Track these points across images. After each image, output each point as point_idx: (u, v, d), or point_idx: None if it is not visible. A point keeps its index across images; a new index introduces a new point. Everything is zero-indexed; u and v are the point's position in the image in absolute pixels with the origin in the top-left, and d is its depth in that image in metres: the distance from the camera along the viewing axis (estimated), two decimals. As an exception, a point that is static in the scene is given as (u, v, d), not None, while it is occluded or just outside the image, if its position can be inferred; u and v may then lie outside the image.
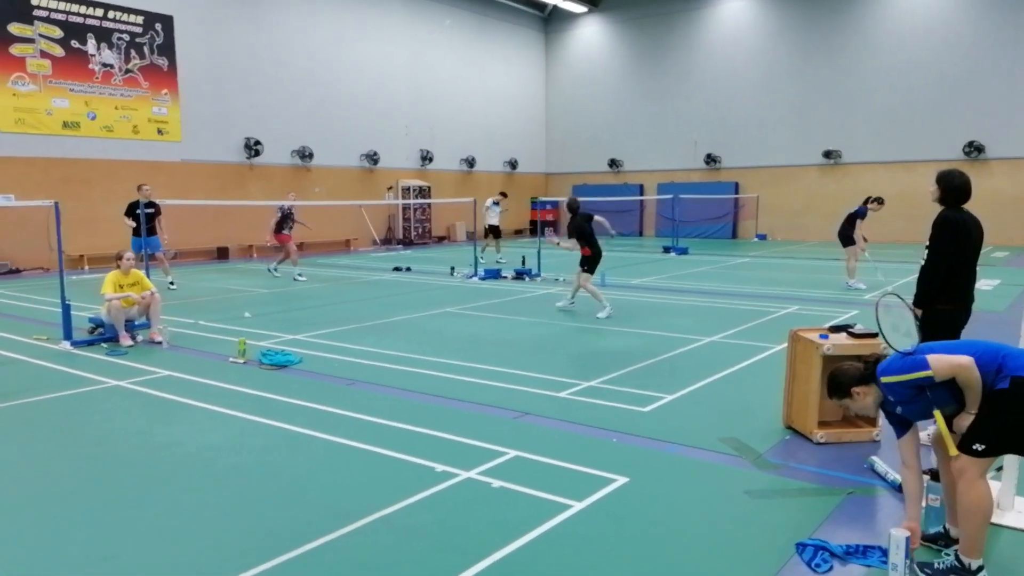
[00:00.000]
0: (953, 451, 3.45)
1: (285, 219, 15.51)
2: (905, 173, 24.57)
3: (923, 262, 5.14)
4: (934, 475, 3.95)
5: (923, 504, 3.99)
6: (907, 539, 3.36)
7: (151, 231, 13.22)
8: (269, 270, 16.11)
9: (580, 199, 11.77)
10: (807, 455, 5.01)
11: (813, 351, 5.14)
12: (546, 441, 5.28)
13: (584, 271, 10.70)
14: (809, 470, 4.75)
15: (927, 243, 5.11)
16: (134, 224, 13.20)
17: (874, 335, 5.25)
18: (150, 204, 13.15)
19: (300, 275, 15.39)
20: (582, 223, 10.87)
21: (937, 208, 5.11)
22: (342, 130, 24.36)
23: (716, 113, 28.36)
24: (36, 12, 17.24)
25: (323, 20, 23.57)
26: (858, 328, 5.33)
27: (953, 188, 5.00)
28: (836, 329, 5.39)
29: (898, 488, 4.36)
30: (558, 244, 12.95)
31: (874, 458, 4.76)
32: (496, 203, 20.56)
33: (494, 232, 20.37)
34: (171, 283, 13.66)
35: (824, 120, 26.05)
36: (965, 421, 3.47)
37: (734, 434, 5.39)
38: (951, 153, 23.53)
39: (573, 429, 5.58)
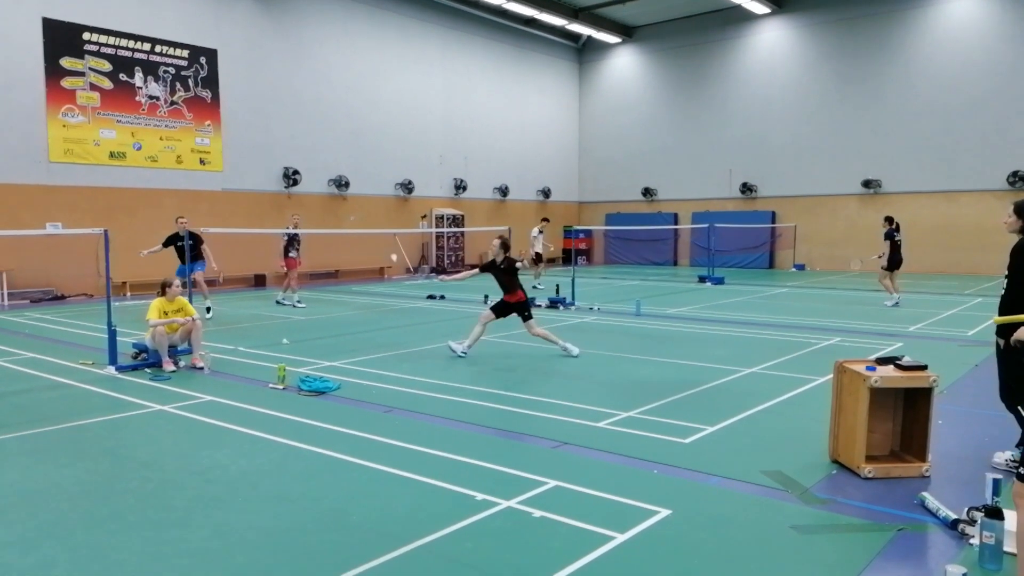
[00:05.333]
0: None
1: (291, 242, 15.79)
2: (947, 203, 24.18)
3: (1004, 292, 5.10)
4: (989, 512, 3.85)
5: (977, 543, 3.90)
6: (964, 575, 3.27)
7: (195, 258, 13.57)
8: (278, 302, 15.97)
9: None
10: (855, 490, 4.90)
11: (860, 383, 5.05)
12: (586, 471, 5.24)
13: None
14: (857, 505, 4.64)
15: (1006, 273, 5.07)
16: (151, 252, 13.96)
17: (922, 367, 5.17)
18: (190, 235, 13.47)
19: (299, 302, 15.71)
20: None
21: (1012, 238, 5.22)
22: (378, 160, 24.73)
23: (752, 142, 28.25)
24: (87, 47, 17.85)
25: (361, 53, 24.05)
26: (906, 360, 5.23)
27: None
28: (883, 361, 5.30)
29: (949, 525, 4.26)
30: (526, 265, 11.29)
31: (925, 494, 4.64)
32: (541, 231, 20.76)
33: (538, 259, 20.49)
34: (208, 309, 13.82)
35: (863, 149, 25.76)
36: None
37: (778, 467, 5.30)
38: (995, 183, 23.13)
39: (613, 460, 5.53)
